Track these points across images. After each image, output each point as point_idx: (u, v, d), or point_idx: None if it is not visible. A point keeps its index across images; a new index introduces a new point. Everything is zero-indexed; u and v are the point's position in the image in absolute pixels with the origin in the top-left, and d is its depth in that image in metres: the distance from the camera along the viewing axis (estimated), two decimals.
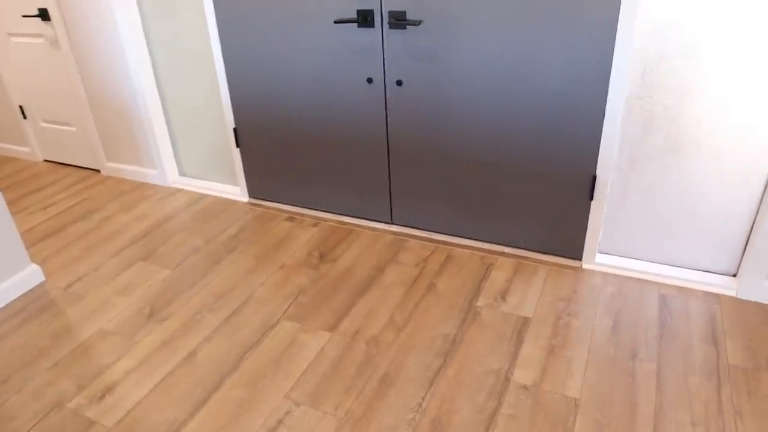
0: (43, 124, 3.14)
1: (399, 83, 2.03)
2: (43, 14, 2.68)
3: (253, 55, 2.28)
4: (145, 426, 1.48)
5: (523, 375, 1.57)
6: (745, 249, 1.81)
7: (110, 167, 3.02)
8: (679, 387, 1.49)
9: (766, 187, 1.70)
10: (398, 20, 1.89)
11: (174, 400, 1.55)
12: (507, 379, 1.56)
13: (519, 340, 1.70)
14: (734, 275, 1.87)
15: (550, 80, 1.79)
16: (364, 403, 1.51)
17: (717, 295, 1.83)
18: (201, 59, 2.50)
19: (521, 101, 1.86)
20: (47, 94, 2.99)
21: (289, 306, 1.92)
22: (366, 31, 1.99)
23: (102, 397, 1.57)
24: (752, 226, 1.77)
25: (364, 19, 1.95)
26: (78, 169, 3.18)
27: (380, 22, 1.94)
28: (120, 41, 2.54)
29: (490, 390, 1.52)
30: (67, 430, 1.48)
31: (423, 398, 1.51)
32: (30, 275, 2.08)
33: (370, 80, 2.08)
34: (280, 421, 1.46)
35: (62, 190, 2.91)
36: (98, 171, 3.12)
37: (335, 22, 1.96)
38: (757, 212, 1.74)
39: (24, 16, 2.70)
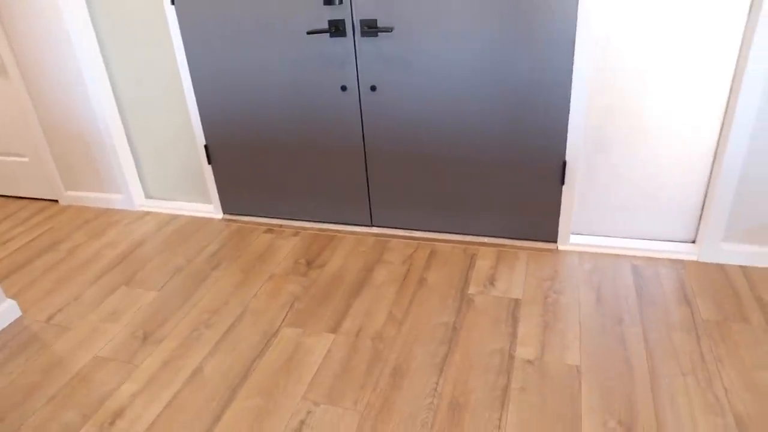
0: None
1: (373, 89, 2.11)
2: None
3: (223, 69, 2.28)
4: None
5: (525, 351, 1.67)
6: (701, 218, 2.01)
7: (69, 196, 2.90)
8: (665, 344, 1.64)
9: (713, 162, 1.90)
10: (370, 28, 1.97)
11: (189, 416, 1.53)
12: (511, 357, 1.65)
13: (515, 320, 1.80)
14: (693, 242, 2.06)
15: (517, 76, 1.92)
16: (382, 395, 1.55)
17: (681, 261, 2.02)
18: (166, 75, 2.47)
19: (492, 99, 1.99)
20: None
21: (286, 314, 1.93)
22: (338, 41, 2.06)
23: (112, 423, 1.53)
24: (705, 197, 1.97)
25: (336, 28, 2.02)
26: (33, 201, 3.03)
27: (352, 31, 2.02)
28: (76, 62, 2.47)
29: (497, 368, 1.61)
30: None
31: (437, 383, 1.58)
32: (6, 311, 1.98)
33: (344, 88, 2.14)
34: (302, 422, 1.48)
35: (19, 224, 2.77)
36: (56, 201, 2.98)
37: (308, 33, 2.01)
38: (708, 185, 1.94)
39: None
